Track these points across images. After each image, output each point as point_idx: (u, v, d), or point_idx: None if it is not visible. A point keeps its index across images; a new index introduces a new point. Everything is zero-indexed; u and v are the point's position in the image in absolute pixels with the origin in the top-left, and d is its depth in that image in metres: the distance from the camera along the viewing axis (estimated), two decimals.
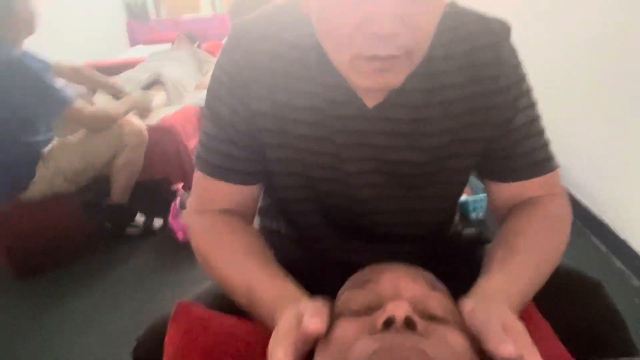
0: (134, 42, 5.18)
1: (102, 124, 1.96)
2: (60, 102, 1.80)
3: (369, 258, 0.57)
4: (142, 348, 0.65)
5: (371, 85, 0.54)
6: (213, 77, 0.66)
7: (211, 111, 0.66)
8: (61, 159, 1.92)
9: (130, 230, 2.23)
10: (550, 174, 0.67)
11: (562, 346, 0.57)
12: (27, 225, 1.97)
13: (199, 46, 3.69)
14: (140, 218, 2.26)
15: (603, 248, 1.85)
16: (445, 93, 0.61)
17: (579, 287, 0.67)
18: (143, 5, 5.31)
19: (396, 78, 0.54)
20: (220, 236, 0.63)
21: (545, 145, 0.67)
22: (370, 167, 0.65)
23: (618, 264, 1.76)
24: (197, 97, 2.84)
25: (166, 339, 0.53)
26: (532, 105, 0.66)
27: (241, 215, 0.68)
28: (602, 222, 1.87)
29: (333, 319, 0.45)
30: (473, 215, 2.06)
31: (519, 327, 0.43)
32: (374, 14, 0.47)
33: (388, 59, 0.50)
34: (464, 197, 2.08)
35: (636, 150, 1.64)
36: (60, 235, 2.04)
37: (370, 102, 0.62)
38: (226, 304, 0.62)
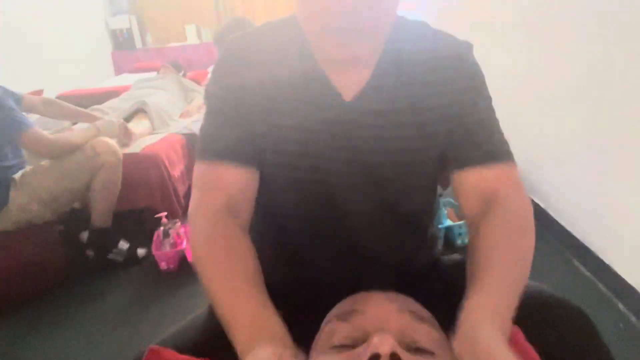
0: (119, 70, 5.20)
1: (61, 151, 1.95)
2: (16, 126, 1.82)
3: (347, 270, 0.57)
4: None
5: (340, 55, 0.62)
6: (211, 79, 0.75)
7: (209, 108, 0.74)
8: (35, 184, 1.90)
9: (113, 257, 2.18)
10: (509, 165, 0.71)
11: None
12: (0, 259, 1.91)
13: (184, 75, 3.71)
14: (123, 245, 2.22)
15: (587, 273, 1.86)
16: (414, 90, 0.70)
17: (561, 312, 0.67)
18: (129, 34, 5.34)
19: (361, 50, 0.62)
20: (218, 254, 0.64)
21: (504, 142, 0.73)
22: (346, 155, 0.71)
23: (603, 289, 1.76)
24: (181, 126, 2.84)
25: None
26: (491, 108, 0.74)
27: (238, 210, 0.69)
28: (586, 247, 1.88)
29: (316, 351, 0.44)
30: (459, 242, 2.06)
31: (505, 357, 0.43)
32: None
33: (354, 31, 0.59)
34: (449, 223, 2.09)
35: (620, 176, 1.67)
36: (35, 268, 1.97)
37: (348, 95, 0.70)
38: (202, 344, 0.60)
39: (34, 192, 1.89)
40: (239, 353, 0.52)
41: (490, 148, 0.71)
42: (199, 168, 0.72)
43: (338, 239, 0.76)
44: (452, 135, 0.72)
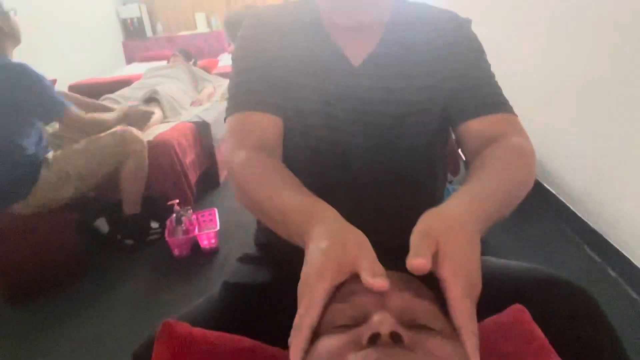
0: (130, 59, 5.22)
1: (98, 127, 2.08)
2: (60, 104, 1.92)
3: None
4: None
5: (347, 22, 0.71)
6: (237, 45, 0.82)
7: (237, 67, 0.80)
8: (66, 164, 1.98)
9: (151, 238, 2.31)
10: (510, 115, 0.74)
11: (557, 357, 0.57)
12: (18, 248, 1.95)
13: (194, 63, 3.72)
14: (155, 225, 2.33)
15: (597, 258, 1.85)
16: (417, 55, 0.76)
17: (567, 295, 0.67)
18: (139, 23, 5.36)
19: (366, 17, 0.71)
20: (256, 167, 0.68)
21: (503, 96, 0.76)
22: (354, 117, 0.76)
23: (612, 274, 1.76)
24: (192, 114, 2.86)
25: (153, 359, 0.53)
26: (489, 69, 0.78)
27: (271, 149, 0.74)
28: (597, 232, 1.88)
29: (318, 333, 0.45)
30: None
31: (460, 249, 0.45)
32: None
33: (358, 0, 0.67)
34: None
35: (630, 160, 1.66)
36: (52, 256, 2.02)
37: (356, 60, 0.76)
38: (217, 319, 0.62)
39: (64, 170, 1.97)
40: (298, 237, 0.54)
41: (491, 100, 0.75)
42: (231, 120, 0.77)
43: (347, 200, 0.76)
44: (453, 92, 0.76)
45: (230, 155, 0.72)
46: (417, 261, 0.43)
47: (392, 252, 0.50)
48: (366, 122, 0.76)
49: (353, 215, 0.77)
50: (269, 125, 0.75)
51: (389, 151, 0.77)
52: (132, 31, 5.38)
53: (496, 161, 0.64)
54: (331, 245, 0.48)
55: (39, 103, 1.88)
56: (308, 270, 0.47)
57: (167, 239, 2.12)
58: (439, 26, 0.77)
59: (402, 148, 0.77)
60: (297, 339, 0.43)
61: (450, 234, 0.46)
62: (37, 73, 1.87)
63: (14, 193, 1.90)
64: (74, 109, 1.99)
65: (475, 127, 0.74)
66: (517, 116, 0.75)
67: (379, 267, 0.46)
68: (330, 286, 0.45)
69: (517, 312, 0.60)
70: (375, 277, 0.44)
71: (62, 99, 1.95)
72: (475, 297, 0.45)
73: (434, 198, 0.86)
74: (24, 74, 1.84)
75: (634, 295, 1.64)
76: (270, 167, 0.68)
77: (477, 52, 0.78)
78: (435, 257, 0.45)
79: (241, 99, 0.77)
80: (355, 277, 0.54)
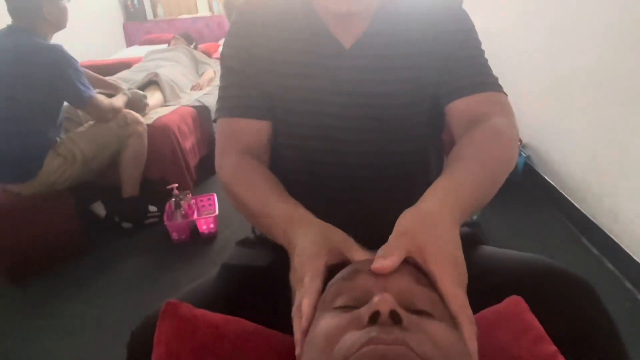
0: (130, 42, 5.18)
1: (112, 115, 2.09)
2: (89, 91, 1.94)
3: (346, 221, 0.61)
4: (137, 340, 0.66)
5: (337, 8, 0.69)
6: (225, 42, 0.82)
7: (225, 68, 0.82)
8: (72, 146, 1.99)
9: (149, 222, 2.32)
10: (498, 94, 0.75)
11: (553, 346, 0.58)
12: (17, 227, 1.96)
13: (195, 47, 3.69)
14: (153, 208, 2.34)
15: (595, 250, 1.86)
16: (409, 35, 0.76)
17: (565, 285, 0.67)
18: (139, 5, 5.30)
19: (357, 5, 0.68)
20: (244, 172, 0.73)
21: (492, 75, 0.77)
22: (345, 99, 0.76)
23: (610, 266, 1.77)
24: (192, 98, 2.84)
25: (155, 338, 0.53)
26: (479, 47, 0.79)
27: (257, 153, 0.78)
28: (595, 225, 1.88)
29: (319, 311, 0.45)
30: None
31: (434, 250, 0.47)
32: None
33: None
34: None
35: (629, 153, 1.66)
36: (51, 237, 2.03)
37: (347, 43, 0.76)
38: (215, 301, 0.63)
39: (70, 154, 1.98)
40: (282, 240, 0.59)
41: (478, 79, 0.75)
42: (220, 124, 0.80)
43: (337, 184, 0.80)
44: (442, 72, 0.76)
45: (219, 160, 0.77)
46: (378, 263, 0.46)
47: (384, 236, 0.51)
48: (357, 104, 0.76)
49: (345, 201, 0.79)
50: (254, 131, 0.78)
51: (381, 134, 0.78)
52: (132, 13, 5.32)
53: (471, 147, 0.64)
54: (319, 237, 0.52)
55: (71, 88, 1.89)
56: (300, 258, 0.51)
57: (165, 222, 2.13)
58: (428, 7, 0.78)
59: (394, 130, 0.78)
60: (306, 301, 0.46)
61: (430, 232, 0.49)
62: (72, 58, 1.89)
63: (20, 173, 1.90)
64: (98, 96, 2.01)
65: (460, 107, 0.74)
66: (503, 94, 0.75)
67: (366, 251, 0.50)
68: (326, 263, 0.49)
69: (515, 303, 0.61)
70: (364, 254, 0.48)
71: (91, 87, 1.97)
72: (464, 285, 0.47)
73: (429, 181, 0.86)
74: (61, 57, 1.85)
75: (629, 287, 1.65)
76: (255, 172, 0.72)
77: (465, 31, 0.78)
78: (421, 255, 0.48)
79: (228, 103, 0.79)
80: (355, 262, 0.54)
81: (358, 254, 0.50)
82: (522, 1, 2.45)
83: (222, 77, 0.82)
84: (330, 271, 0.52)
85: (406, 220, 0.51)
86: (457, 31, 0.77)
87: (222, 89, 0.81)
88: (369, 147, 0.78)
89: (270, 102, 0.79)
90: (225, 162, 0.75)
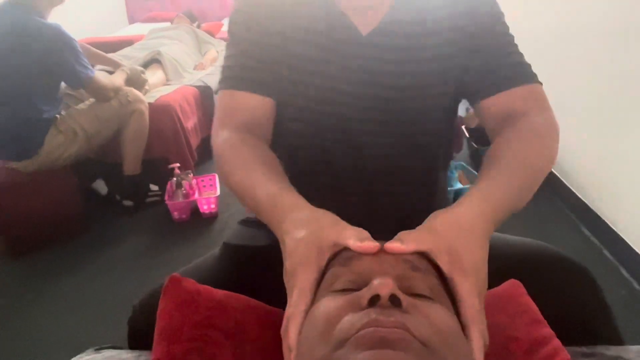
0: (132, 19, 5.12)
1: (112, 93, 2.07)
2: (88, 70, 1.91)
3: (357, 210, 0.60)
4: (139, 314, 0.67)
5: (357, 2, 0.66)
6: (234, 10, 0.76)
7: (232, 36, 0.76)
8: (73, 123, 1.98)
9: (150, 200, 2.32)
10: (532, 85, 0.70)
11: (549, 329, 0.59)
12: (22, 204, 1.97)
13: (198, 26, 3.65)
14: (155, 187, 2.35)
15: (595, 240, 1.87)
16: (430, 25, 0.70)
17: (565, 271, 0.68)
18: None
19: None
20: (235, 148, 0.68)
21: (524, 63, 0.72)
22: (361, 89, 0.72)
23: (607, 254, 1.78)
24: (195, 78, 2.82)
25: (158, 312, 0.54)
26: (508, 34, 0.73)
27: (257, 131, 0.72)
28: (595, 214, 1.89)
29: (318, 295, 0.46)
30: None
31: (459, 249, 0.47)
32: None
33: None
34: (459, 185, 2.09)
35: (632, 142, 1.65)
36: (53, 213, 2.04)
37: (364, 29, 0.70)
38: (217, 278, 0.63)
39: (71, 130, 1.97)
40: (270, 226, 0.56)
41: (511, 73, 0.70)
42: (220, 96, 0.75)
43: (351, 174, 0.78)
44: (471, 66, 0.72)
45: (214, 134, 0.72)
46: (392, 244, 0.46)
47: (399, 223, 0.51)
48: (374, 95, 0.72)
49: (357, 192, 0.78)
50: (257, 106, 0.73)
51: (396, 125, 0.74)
52: None
53: (510, 152, 0.61)
54: (308, 232, 0.49)
55: (68, 71, 1.87)
56: (292, 262, 0.48)
57: (167, 202, 2.13)
58: None
59: (409, 122, 0.74)
60: (292, 328, 0.44)
61: (461, 238, 0.48)
62: (70, 37, 1.86)
63: (20, 151, 1.90)
64: (98, 75, 1.99)
65: (494, 104, 0.70)
66: (539, 84, 0.71)
67: (363, 233, 0.48)
68: (316, 273, 0.47)
69: (513, 286, 0.62)
70: (363, 240, 0.46)
71: (91, 68, 1.94)
72: (482, 297, 0.46)
73: (438, 175, 0.86)
74: (59, 37, 1.82)
75: (627, 276, 1.66)
76: (248, 149, 0.67)
77: (493, 18, 0.72)
78: (445, 257, 0.47)
79: (232, 74, 0.74)
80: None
81: (351, 240, 0.47)
82: (525, 9, 2.42)
83: (228, 45, 0.76)
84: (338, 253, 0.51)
85: (438, 220, 0.50)
86: (485, 18, 0.72)
87: (227, 57, 0.76)
88: (383, 139, 0.75)
89: (277, 78, 0.74)
90: (219, 137, 0.71)
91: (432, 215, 0.51)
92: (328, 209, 0.68)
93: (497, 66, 0.71)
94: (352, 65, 0.71)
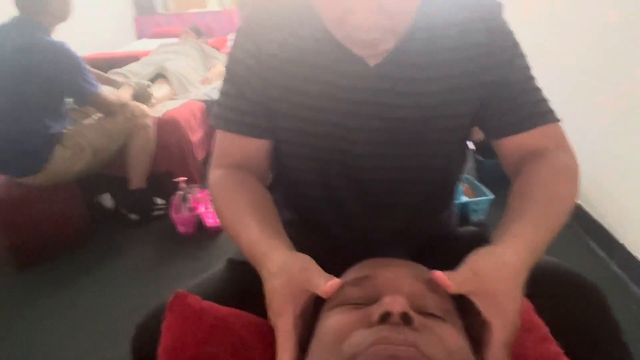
0: (140, 35, 5.19)
1: (119, 108, 2.08)
2: (93, 87, 1.93)
3: (363, 237, 0.61)
4: (141, 334, 0.66)
5: (367, 53, 0.64)
6: (233, 44, 0.74)
7: (229, 72, 0.74)
8: (81, 138, 1.99)
9: (156, 214, 2.33)
10: (552, 125, 0.69)
11: (557, 347, 0.58)
12: (28, 216, 1.98)
13: (205, 42, 3.69)
14: (160, 201, 2.36)
15: (601, 253, 1.85)
16: (442, 56, 0.66)
17: (575, 288, 0.67)
18: None
19: (388, 44, 0.61)
20: (225, 187, 0.70)
21: (543, 100, 0.70)
22: (369, 123, 0.69)
23: (616, 269, 1.76)
24: (201, 92, 2.85)
25: (162, 328, 0.54)
26: (527, 66, 0.71)
27: (252, 170, 0.73)
28: (601, 226, 1.87)
29: (329, 308, 0.45)
30: (474, 218, 2.06)
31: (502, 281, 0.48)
32: (354, 7, 0.54)
33: (374, 40, 0.58)
34: (464, 199, 2.08)
35: (635, 155, 1.64)
36: (58, 225, 2.05)
37: (372, 61, 0.66)
38: (221, 295, 0.63)
39: (79, 146, 1.98)
40: (255, 266, 0.58)
41: (530, 112, 0.69)
42: (217, 133, 0.76)
43: (355, 206, 0.77)
44: (488, 103, 0.70)
45: (210, 171, 0.75)
46: (440, 275, 0.47)
47: (407, 244, 0.51)
48: (381, 129, 0.69)
49: (362, 221, 0.78)
50: (251, 147, 0.74)
51: (404, 160, 0.73)
52: (143, 6, 5.33)
53: (541, 189, 0.61)
54: (280, 283, 0.52)
55: (76, 86, 1.89)
56: (271, 311, 0.52)
57: (172, 215, 2.14)
58: (468, 19, 0.66)
59: (419, 155, 0.72)
60: None
61: (501, 283, 0.48)
62: (76, 54, 1.88)
63: (25, 167, 1.91)
64: (103, 91, 2.00)
65: (514, 143, 0.70)
66: (558, 122, 0.70)
67: (327, 276, 0.50)
68: (293, 316, 0.49)
69: (521, 305, 0.61)
70: (327, 282, 0.48)
71: (96, 84, 1.96)
72: (510, 344, 0.47)
73: (446, 202, 0.86)
74: (64, 54, 1.84)
75: (635, 290, 1.64)
76: (238, 187, 0.69)
77: (510, 49, 0.68)
78: (484, 300, 0.47)
79: (226, 114, 0.74)
80: (367, 262, 0.54)
81: (319, 286, 0.48)
82: (521, 9, 2.43)
83: (225, 81, 0.75)
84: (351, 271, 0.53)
85: (481, 262, 0.50)
86: (502, 50, 0.67)
87: (223, 94, 0.75)
88: (391, 173, 0.74)
89: (272, 120, 0.72)
90: (212, 176, 0.73)
91: (475, 254, 0.52)
92: (333, 241, 0.69)
93: (518, 105, 0.68)
94: (358, 99, 0.68)
